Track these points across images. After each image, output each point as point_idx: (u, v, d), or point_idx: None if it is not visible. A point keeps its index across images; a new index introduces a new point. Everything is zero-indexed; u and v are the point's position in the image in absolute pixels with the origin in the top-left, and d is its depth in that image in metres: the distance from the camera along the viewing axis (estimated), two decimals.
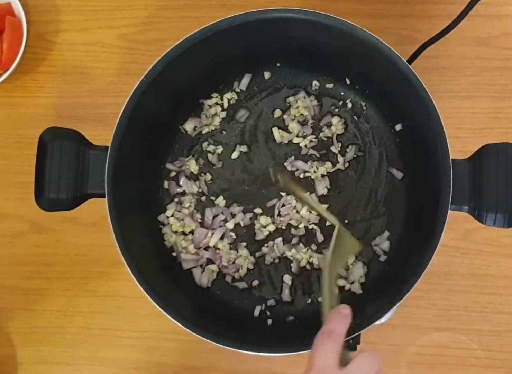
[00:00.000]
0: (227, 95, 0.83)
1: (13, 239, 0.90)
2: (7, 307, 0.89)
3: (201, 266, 0.81)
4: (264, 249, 0.81)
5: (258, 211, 0.82)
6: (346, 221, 0.81)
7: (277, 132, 0.83)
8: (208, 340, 0.68)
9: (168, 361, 0.88)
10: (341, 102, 0.83)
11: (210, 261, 0.81)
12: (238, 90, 0.84)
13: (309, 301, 0.80)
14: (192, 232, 0.81)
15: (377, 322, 0.69)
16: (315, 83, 0.83)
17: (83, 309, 0.89)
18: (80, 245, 0.90)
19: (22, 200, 0.90)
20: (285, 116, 0.83)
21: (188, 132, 0.83)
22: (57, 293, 0.90)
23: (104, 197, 0.70)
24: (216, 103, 0.84)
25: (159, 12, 0.93)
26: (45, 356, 0.89)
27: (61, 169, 0.69)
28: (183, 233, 0.81)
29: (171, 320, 0.69)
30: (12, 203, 0.91)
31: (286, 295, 0.80)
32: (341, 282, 0.80)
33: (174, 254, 0.81)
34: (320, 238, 0.81)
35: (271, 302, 0.80)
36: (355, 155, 0.82)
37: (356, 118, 0.83)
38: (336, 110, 0.83)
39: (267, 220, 0.81)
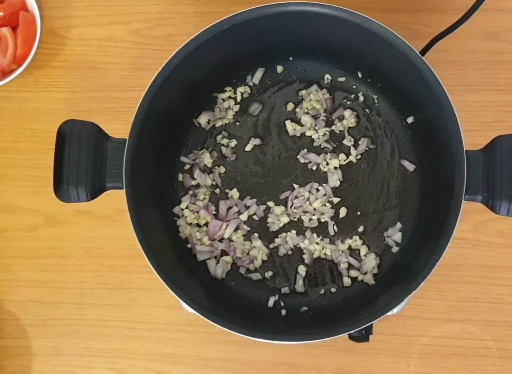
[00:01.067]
0: (240, 89, 0.84)
1: (27, 232, 0.91)
2: (22, 299, 0.90)
3: (215, 257, 0.82)
4: (278, 240, 0.82)
5: (271, 203, 0.82)
6: (359, 213, 0.82)
7: (290, 125, 0.83)
8: (224, 328, 0.68)
9: (181, 353, 0.89)
10: (353, 96, 0.84)
11: (224, 253, 0.82)
12: (251, 84, 0.85)
13: (322, 291, 0.81)
14: (206, 224, 0.82)
15: (389, 313, 0.70)
16: (327, 76, 0.84)
17: (97, 301, 0.90)
18: (93, 238, 0.91)
19: (37, 193, 0.91)
20: (297, 110, 0.84)
21: (202, 126, 0.84)
22: (71, 286, 0.91)
23: (121, 188, 0.70)
24: (230, 97, 0.84)
25: (171, 8, 0.94)
26: (59, 348, 0.90)
27: (80, 161, 0.69)
28: (198, 225, 0.82)
29: (186, 311, 0.70)
30: (27, 196, 0.92)
31: (299, 286, 0.81)
32: (354, 273, 0.81)
33: (189, 245, 0.81)
34: (332, 230, 0.82)
35: (285, 290, 0.81)
36: (367, 148, 0.83)
37: (368, 111, 0.84)
38: (348, 103, 0.84)
39: (281, 209, 0.81)
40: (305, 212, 0.82)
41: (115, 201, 0.87)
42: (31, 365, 0.90)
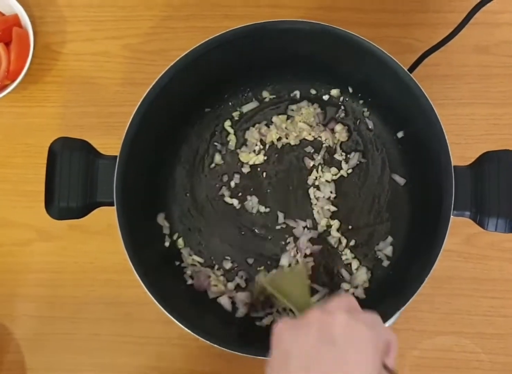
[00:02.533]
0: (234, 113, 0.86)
1: (21, 247, 0.91)
2: (16, 314, 0.90)
3: None
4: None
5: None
6: (350, 227, 0.82)
7: (281, 142, 0.84)
8: (214, 345, 0.68)
9: (174, 366, 0.89)
10: (344, 110, 0.85)
11: None
12: (243, 101, 0.85)
13: None
14: None
15: None
16: (319, 91, 0.85)
17: (90, 316, 0.90)
18: (87, 252, 0.91)
19: (30, 208, 0.91)
20: (290, 125, 0.84)
21: None
22: (65, 300, 0.90)
23: (112, 205, 0.71)
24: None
25: (164, 23, 0.94)
26: (53, 363, 0.90)
27: (71, 178, 0.70)
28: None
29: (178, 325, 0.70)
30: (20, 211, 0.92)
31: None
32: (345, 286, 0.81)
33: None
34: None
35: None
36: (358, 162, 0.83)
37: (359, 125, 0.84)
38: (340, 117, 0.85)
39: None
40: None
41: (107, 215, 0.86)
42: None
